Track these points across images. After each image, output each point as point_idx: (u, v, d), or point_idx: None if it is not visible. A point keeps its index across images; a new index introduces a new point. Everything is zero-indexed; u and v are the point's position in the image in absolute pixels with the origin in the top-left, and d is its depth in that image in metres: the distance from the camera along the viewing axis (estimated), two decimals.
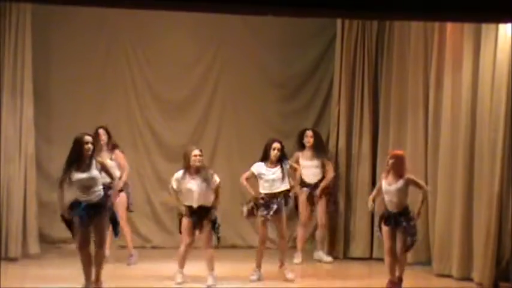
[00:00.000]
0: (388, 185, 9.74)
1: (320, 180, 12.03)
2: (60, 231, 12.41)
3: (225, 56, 13.22)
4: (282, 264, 10.67)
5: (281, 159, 10.56)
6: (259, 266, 10.53)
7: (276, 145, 10.52)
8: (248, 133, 13.13)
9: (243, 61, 13.23)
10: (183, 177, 10.14)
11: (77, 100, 12.72)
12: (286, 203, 10.58)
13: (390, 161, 9.82)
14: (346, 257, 12.36)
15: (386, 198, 9.76)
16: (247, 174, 10.57)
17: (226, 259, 11.52)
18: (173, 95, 13.19)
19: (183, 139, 12.99)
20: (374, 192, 9.99)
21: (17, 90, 11.58)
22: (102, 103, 12.82)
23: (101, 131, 11.36)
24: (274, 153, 10.49)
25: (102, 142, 11.31)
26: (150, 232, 13.00)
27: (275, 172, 10.51)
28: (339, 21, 12.58)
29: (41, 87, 12.35)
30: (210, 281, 10.12)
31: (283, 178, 10.53)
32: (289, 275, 10.55)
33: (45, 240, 12.34)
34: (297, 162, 11.78)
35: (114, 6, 11.04)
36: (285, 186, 10.54)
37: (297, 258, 11.83)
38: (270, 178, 10.48)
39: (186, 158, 10.16)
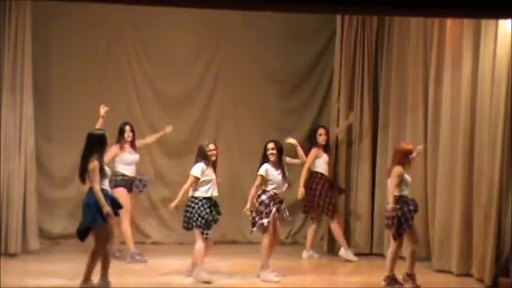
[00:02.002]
0: (409, 176, 10.02)
1: None
2: (60, 227, 12.50)
3: (225, 53, 13.23)
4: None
5: (280, 160, 10.52)
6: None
7: (270, 145, 10.49)
8: (248, 129, 13.14)
9: (242, 57, 13.23)
10: (206, 169, 10.31)
11: (76, 97, 12.71)
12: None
13: (412, 156, 10.04)
14: None
15: (406, 189, 9.96)
16: (257, 182, 10.42)
17: (227, 254, 11.57)
18: (173, 92, 13.20)
19: (183, 135, 13.01)
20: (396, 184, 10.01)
21: (16, 87, 11.58)
22: (103, 100, 12.71)
23: (128, 128, 11.48)
24: (270, 153, 10.44)
25: (128, 139, 11.44)
26: (150, 228, 13.01)
27: (280, 173, 10.47)
28: (338, 17, 12.58)
29: (41, 84, 12.37)
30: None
31: (284, 180, 10.50)
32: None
33: (45, 236, 12.36)
34: (316, 158, 11.88)
35: (114, 2, 11.07)
36: (285, 187, 10.58)
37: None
38: (277, 180, 10.44)
39: (203, 152, 10.34)
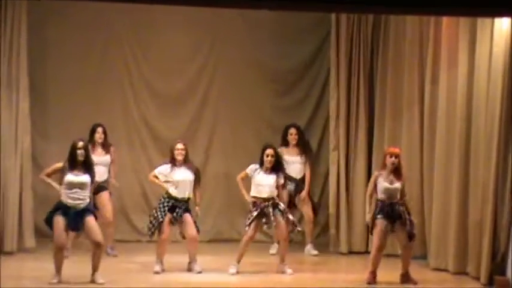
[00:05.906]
0: None
1: (303, 177, 12.09)
2: None
3: (220, 52, 13.23)
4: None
5: (277, 169, 10.58)
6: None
7: (269, 151, 10.58)
8: (243, 128, 13.15)
9: (238, 56, 13.22)
10: (171, 170, 10.50)
11: (73, 95, 12.71)
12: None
13: None
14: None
15: None
16: (242, 174, 10.70)
17: (221, 252, 11.58)
18: (169, 91, 13.20)
19: (179, 134, 12.99)
20: None
21: (12, 85, 11.57)
22: (99, 98, 12.82)
23: (100, 129, 11.47)
24: (267, 160, 10.54)
25: (99, 140, 11.42)
26: (145, 226, 12.99)
27: (268, 179, 10.53)
28: (334, 16, 12.56)
29: (37, 82, 12.37)
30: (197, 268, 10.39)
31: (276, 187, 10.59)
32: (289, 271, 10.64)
33: (41, 234, 12.28)
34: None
35: (110, 1, 11.07)
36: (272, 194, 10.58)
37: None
38: (261, 183, 10.54)
39: (171, 151, 10.59)
